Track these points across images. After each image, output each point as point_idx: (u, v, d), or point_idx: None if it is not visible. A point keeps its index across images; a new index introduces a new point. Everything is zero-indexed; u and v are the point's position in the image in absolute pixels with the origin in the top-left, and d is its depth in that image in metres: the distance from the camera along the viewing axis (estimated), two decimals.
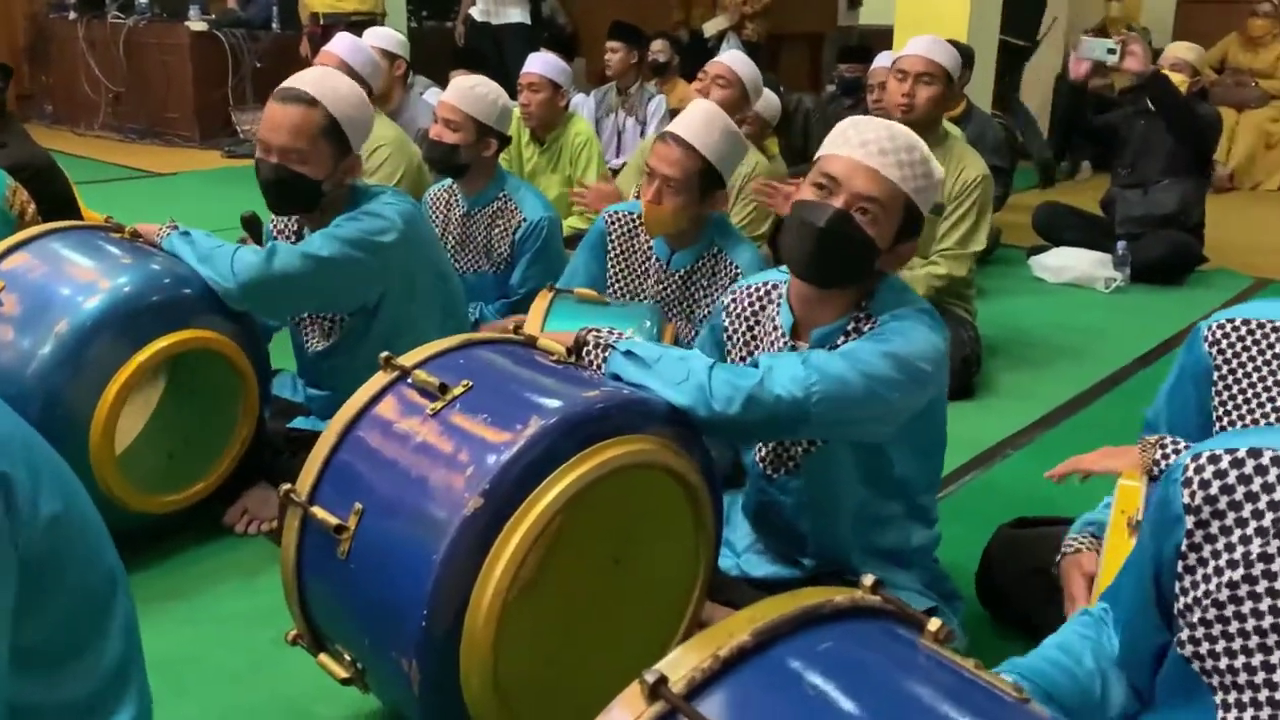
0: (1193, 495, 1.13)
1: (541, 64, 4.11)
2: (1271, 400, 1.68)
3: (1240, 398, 1.71)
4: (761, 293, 1.98)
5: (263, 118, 2.39)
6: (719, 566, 2.01)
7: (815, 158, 1.79)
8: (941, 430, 1.97)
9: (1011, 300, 4.52)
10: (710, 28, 7.41)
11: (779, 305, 1.92)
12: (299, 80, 2.38)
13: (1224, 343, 1.71)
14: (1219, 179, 6.60)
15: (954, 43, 4.86)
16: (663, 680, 0.75)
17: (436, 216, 3.30)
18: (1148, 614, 1.21)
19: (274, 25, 8.16)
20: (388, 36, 4.47)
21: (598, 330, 1.82)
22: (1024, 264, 5.01)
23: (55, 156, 4.02)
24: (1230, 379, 1.72)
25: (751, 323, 1.98)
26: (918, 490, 1.98)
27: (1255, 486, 1.10)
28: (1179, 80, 4.73)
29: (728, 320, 2.02)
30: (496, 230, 3.21)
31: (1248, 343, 1.69)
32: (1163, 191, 4.85)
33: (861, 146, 1.72)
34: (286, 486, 1.65)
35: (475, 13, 6.99)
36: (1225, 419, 1.73)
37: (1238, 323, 1.70)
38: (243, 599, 2.22)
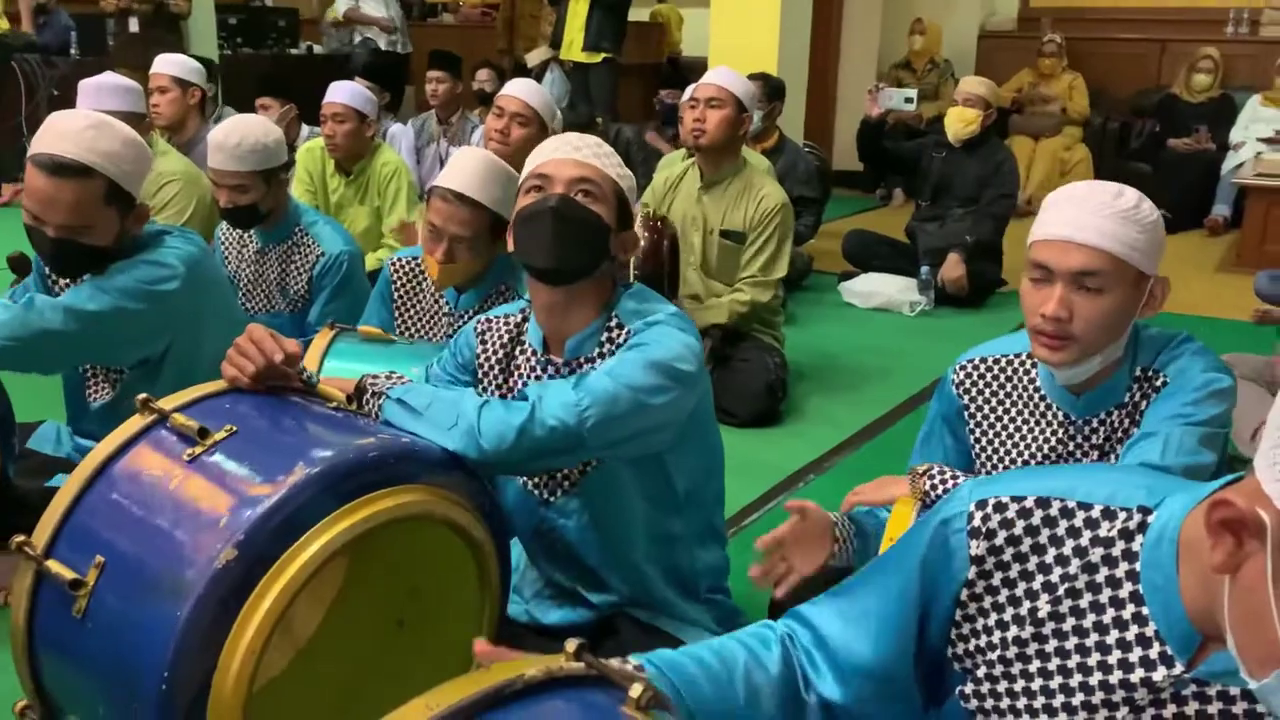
0: (978, 545, 1.09)
1: (346, 93, 3.99)
2: (1018, 430, 1.77)
3: (991, 432, 1.80)
4: (514, 322, 1.95)
5: (28, 186, 2.12)
6: (509, 614, 1.95)
7: (523, 178, 1.85)
8: (714, 432, 1.96)
9: (822, 326, 4.64)
10: (533, 58, 7.41)
11: (527, 328, 1.90)
12: (62, 140, 2.11)
13: (968, 382, 1.82)
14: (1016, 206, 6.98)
15: (765, 76, 5.02)
16: None
17: (229, 255, 3.15)
18: (897, 640, 1.16)
19: (73, 51, 7.74)
20: (182, 64, 4.27)
21: (375, 377, 1.75)
22: (835, 290, 5.16)
23: None
24: (979, 415, 1.81)
25: (506, 350, 1.94)
26: (700, 502, 1.96)
27: (1042, 539, 1.07)
28: (973, 115, 4.98)
29: (481, 351, 1.96)
30: (293, 266, 3.08)
31: (988, 379, 1.80)
32: (958, 222, 5.08)
33: (557, 150, 1.81)
34: (20, 538, 1.50)
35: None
36: (983, 454, 1.82)
37: (977, 361, 1.82)
38: None
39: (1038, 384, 1.75)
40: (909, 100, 4.90)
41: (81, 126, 2.14)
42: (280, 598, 1.40)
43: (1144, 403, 1.67)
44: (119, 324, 2.20)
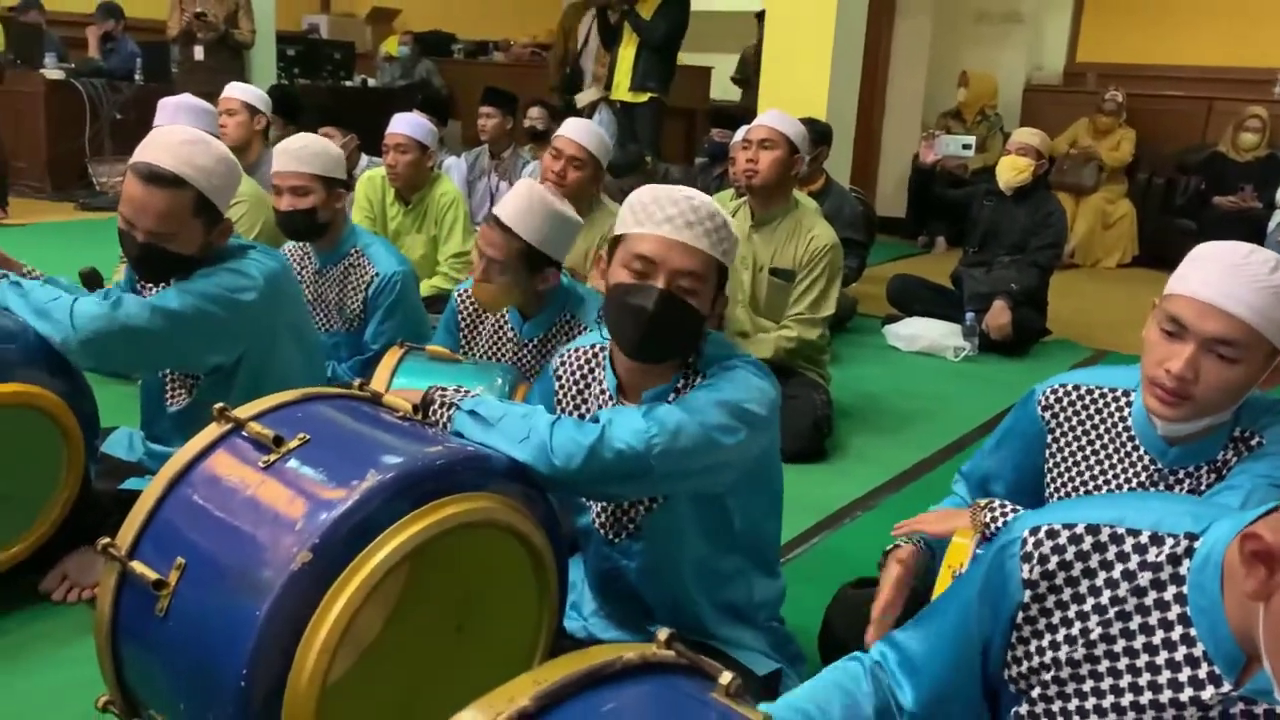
0: (1031, 570, 1.13)
1: (408, 125, 4.10)
2: (1100, 464, 1.74)
3: (1070, 461, 1.77)
4: (589, 355, 1.98)
5: (125, 192, 2.24)
6: (566, 629, 1.98)
7: (616, 234, 1.79)
8: (777, 478, 1.99)
9: (865, 367, 4.66)
10: (584, 98, 7.52)
11: (604, 367, 1.93)
12: (161, 151, 2.23)
13: (1056, 407, 1.78)
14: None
15: (813, 121, 5.09)
16: None
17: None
18: (965, 664, 1.21)
19: (137, 77, 7.96)
20: (251, 91, 4.41)
21: (444, 389, 1.80)
22: (879, 333, 5.17)
23: None
24: (1063, 441, 1.77)
25: (581, 385, 1.98)
26: (759, 541, 1.99)
27: (1093, 563, 1.11)
28: (1025, 164, 5.01)
29: (558, 385, 2.01)
30: (349, 286, 3.16)
31: (1078, 407, 1.76)
32: (1005, 269, 5.10)
33: (668, 222, 1.71)
34: (105, 540, 1.56)
35: None
36: (1057, 480, 1.79)
37: (1070, 387, 1.77)
38: (53, 673, 2.08)
39: (1129, 423, 1.70)
40: (967, 147, 4.93)
41: (180, 140, 2.26)
42: (353, 599, 1.45)
43: (1235, 461, 1.62)
44: (198, 327, 2.27)
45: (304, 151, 3.00)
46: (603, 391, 1.93)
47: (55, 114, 7.59)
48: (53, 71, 7.62)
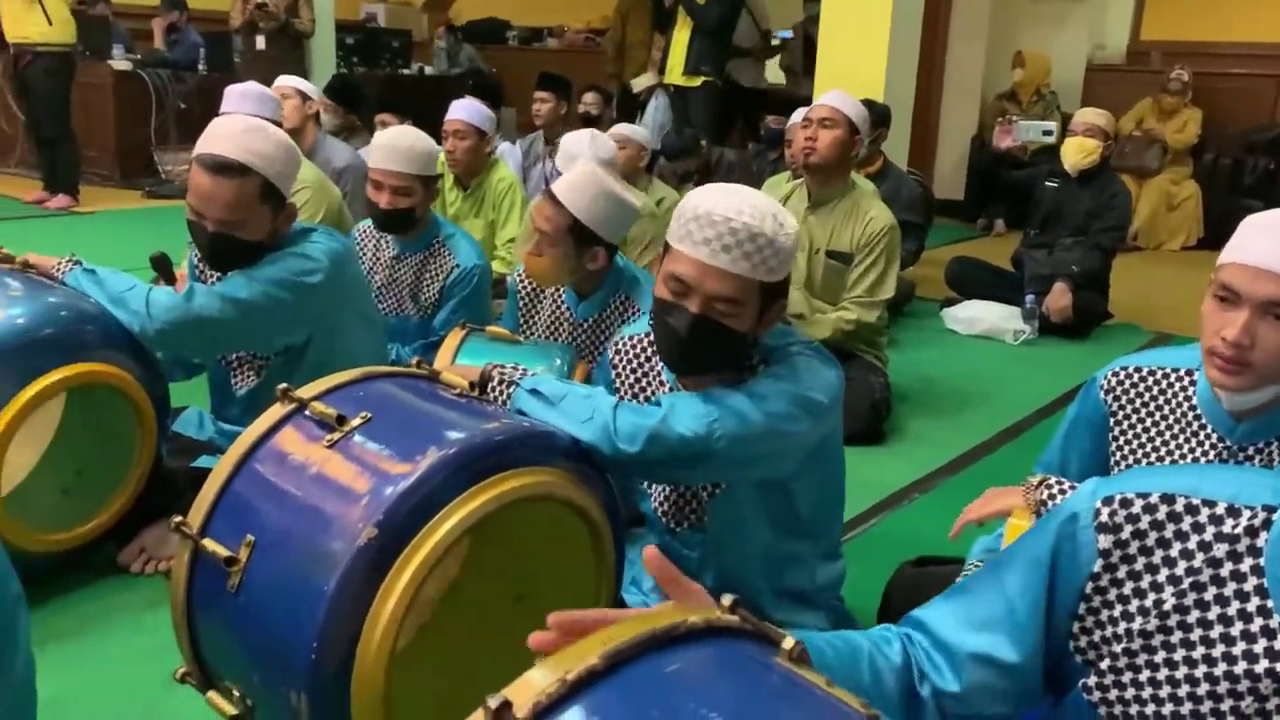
0: (1105, 539, 1.12)
1: (466, 111, 4.15)
2: (1166, 445, 1.71)
3: (1135, 443, 1.74)
4: (645, 343, 1.99)
5: (192, 184, 2.30)
6: (626, 603, 2.01)
7: (666, 242, 1.75)
8: (840, 463, 1.98)
9: (924, 350, 4.62)
10: (639, 83, 7.53)
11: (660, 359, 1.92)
12: (223, 141, 2.27)
13: (1119, 390, 1.76)
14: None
15: (872, 102, 5.04)
16: (506, 705, 0.72)
17: (364, 255, 3.30)
18: (1021, 633, 1.19)
19: (200, 66, 8.12)
20: (299, 80, 4.48)
21: (502, 366, 1.82)
22: (937, 316, 5.13)
23: None
24: (1125, 424, 1.75)
25: (639, 374, 1.99)
26: (822, 527, 1.99)
27: (1168, 533, 1.10)
28: (1092, 146, 4.93)
29: (614, 374, 2.02)
30: (427, 275, 3.22)
31: (1140, 389, 1.73)
32: (1066, 251, 5.02)
33: (706, 245, 1.65)
34: (178, 519, 1.62)
35: None
36: (1122, 465, 1.77)
37: (1131, 370, 1.75)
38: (133, 639, 2.16)
39: (1194, 402, 1.68)
40: (1048, 133, 4.85)
41: (240, 129, 2.31)
42: (418, 572, 1.48)
43: None
44: (268, 312, 2.34)
45: (410, 152, 3.02)
46: (662, 382, 1.94)
47: (123, 104, 7.77)
48: (120, 63, 7.80)
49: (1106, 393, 1.76)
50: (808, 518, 1.93)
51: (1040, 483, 1.71)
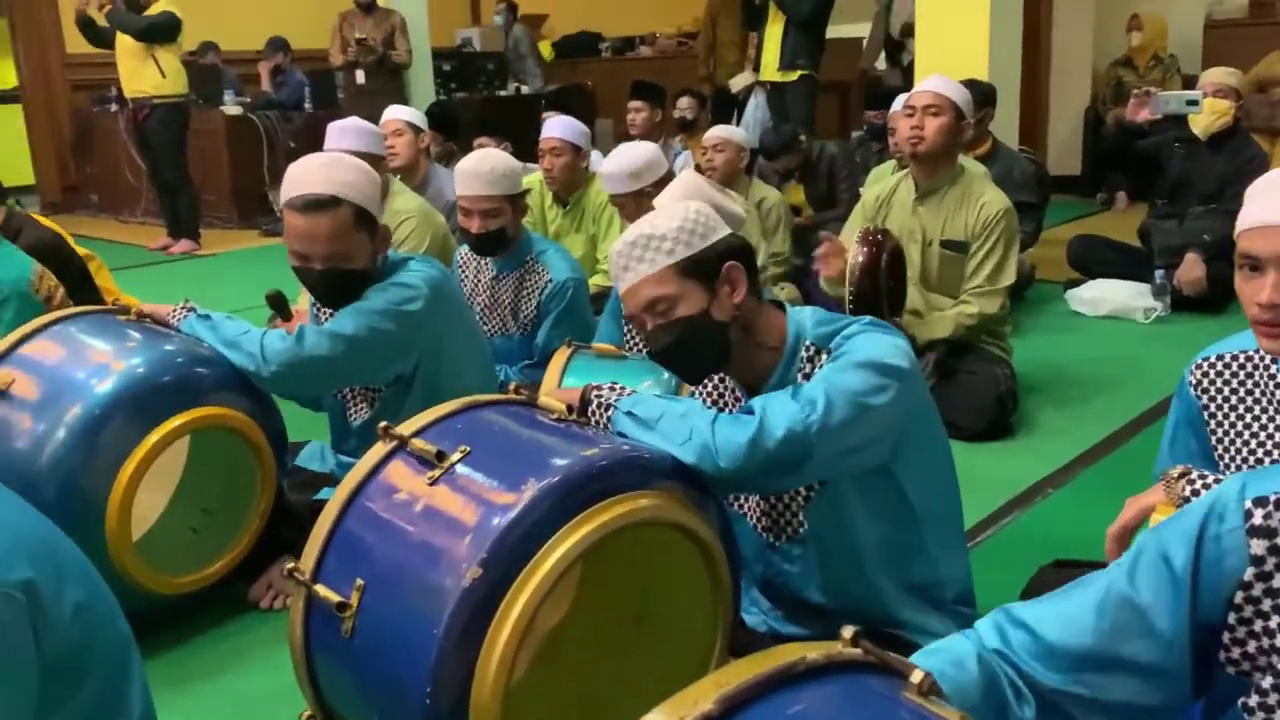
0: (1259, 544, 1.04)
1: (560, 128, 4.16)
2: (1264, 428, 1.68)
3: (1232, 432, 1.71)
4: None
5: (289, 230, 2.33)
6: (747, 623, 1.95)
7: None
8: (939, 436, 1.90)
9: (1049, 336, 4.44)
10: (737, 83, 7.46)
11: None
12: (306, 181, 2.31)
13: (1205, 382, 1.73)
14: None
15: (975, 81, 4.87)
16: None
17: (466, 279, 3.34)
18: (1164, 642, 1.09)
19: (306, 105, 8.37)
20: (409, 111, 4.55)
21: (599, 388, 1.80)
22: (1060, 299, 4.93)
23: (101, 244, 4.11)
24: (1219, 415, 1.73)
25: (715, 395, 1.97)
26: (935, 508, 1.91)
27: None
28: (1225, 107, 4.67)
29: (705, 396, 2.00)
30: (524, 291, 3.23)
31: (1226, 377, 1.71)
32: (1198, 220, 4.76)
33: (618, 280, 1.79)
34: (290, 564, 1.63)
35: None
36: (1224, 457, 1.73)
37: (1213, 359, 1.72)
38: (266, 677, 2.19)
39: (1278, 379, 1.65)
40: (1192, 103, 4.59)
41: (319, 164, 2.36)
42: (526, 607, 1.46)
43: None
44: (375, 344, 2.38)
45: (493, 174, 3.05)
46: (737, 399, 1.92)
47: (236, 147, 8.06)
48: (231, 108, 8.09)
49: (1194, 387, 1.74)
50: (919, 503, 1.86)
51: (1181, 475, 1.61)
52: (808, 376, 1.78)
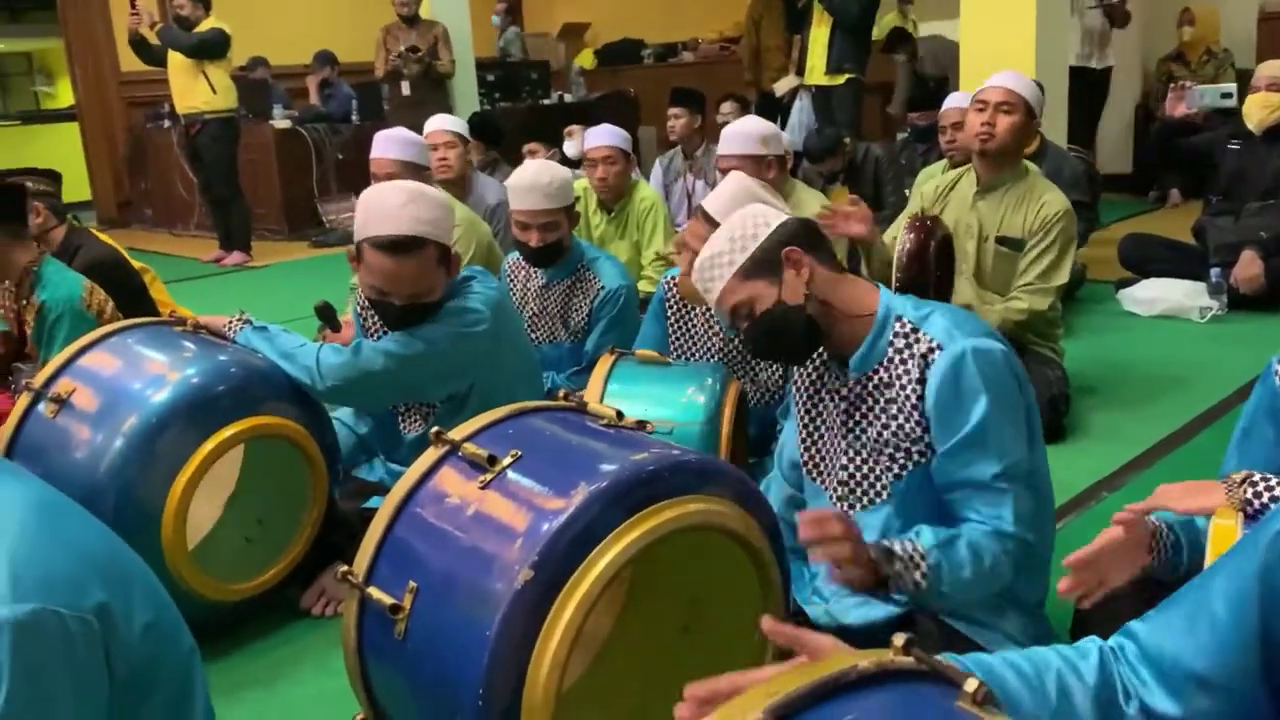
0: None
1: (609, 136, 4.17)
2: None
3: None
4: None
5: (371, 266, 2.32)
6: (809, 615, 1.94)
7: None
8: (1039, 443, 1.92)
9: (1102, 336, 4.36)
10: (781, 87, 7.43)
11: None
12: (391, 219, 2.28)
13: None
14: None
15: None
16: None
17: (515, 287, 3.35)
18: (1235, 653, 1.05)
19: (354, 117, 8.46)
20: (454, 121, 4.57)
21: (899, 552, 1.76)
22: (1113, 299, 4.85)
23: (155, 258, 4.18)
24: None
25: (813, 391, 2.00)
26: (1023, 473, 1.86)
27: None
28: (1278, 100, 4.57)
29: (795, 398, 2.04)
30: (575, 299, 3.24)
31: None
32: (1254, 216, 4.66)
33: (704, 293, 1.92)
34: (344, 569, 1.65)
35: None
36: None
37: None
38: (319, 682, 2.22)
39: None
40: (1227, 96, 4.50)
41: (402, 203, 2.31)
42: (577, 611, 1.46)
43: None
44: (432, 365, 2.41)
45: (550, 188, 3.06)
46: (830, 369, 1.97)
47: (285, 160, 8.17)
48: (280, 121, 8.21)
49: None
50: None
51: (1244, 480, 1.56)
52: (899, 351, 1.82)
